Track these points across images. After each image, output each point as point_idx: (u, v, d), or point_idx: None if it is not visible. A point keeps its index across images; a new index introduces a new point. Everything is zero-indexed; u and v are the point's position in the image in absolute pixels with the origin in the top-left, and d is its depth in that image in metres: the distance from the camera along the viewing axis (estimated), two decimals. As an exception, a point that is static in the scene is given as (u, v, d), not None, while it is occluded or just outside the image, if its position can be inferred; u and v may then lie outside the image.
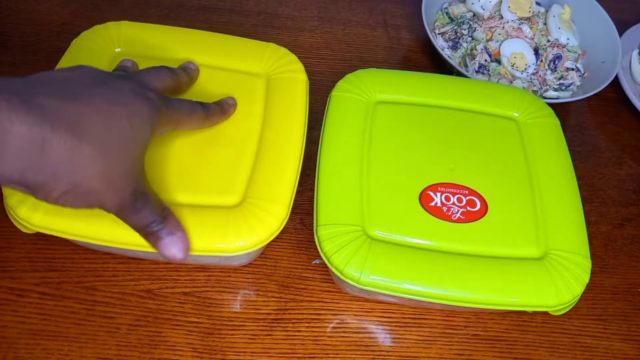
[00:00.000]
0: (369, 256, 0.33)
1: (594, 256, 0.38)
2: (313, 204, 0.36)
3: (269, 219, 0.33)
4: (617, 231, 0.47)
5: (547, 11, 0.57)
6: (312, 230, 0.35)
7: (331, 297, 0.40)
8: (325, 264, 0.34)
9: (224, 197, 0.34)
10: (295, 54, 0.42)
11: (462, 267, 0.34)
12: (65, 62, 0.38)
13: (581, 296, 0.34)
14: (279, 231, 0.34)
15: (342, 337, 0.38)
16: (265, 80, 0.40)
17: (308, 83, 0.41)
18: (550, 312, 0.34)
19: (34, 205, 0.32)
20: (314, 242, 0.35)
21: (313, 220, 0.35)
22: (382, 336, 0.39)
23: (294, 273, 0.41)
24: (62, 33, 0.51)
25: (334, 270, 0.34)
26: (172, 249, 0.30)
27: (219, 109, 0.36)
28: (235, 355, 0.37)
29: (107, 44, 0.40)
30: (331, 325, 0.39)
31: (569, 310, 0.35)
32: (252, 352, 0.37)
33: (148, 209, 0.29)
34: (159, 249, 0.30)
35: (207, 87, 0.39)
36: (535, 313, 0.41)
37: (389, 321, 0.39)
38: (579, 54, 0.56)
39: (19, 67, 0.49)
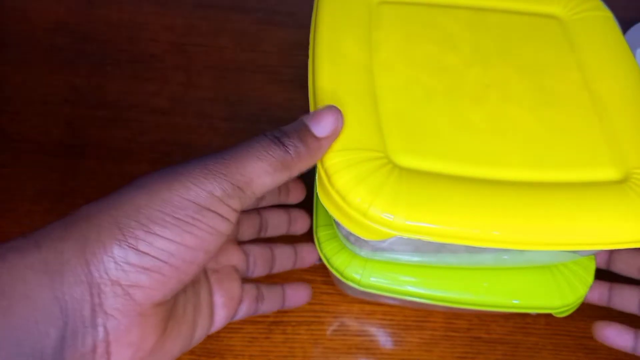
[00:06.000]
0: (369, 257, 0.33)
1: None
2: (313, 203, 0.35)
3: None
4: (621, 231, 0.47)
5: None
6: (312, 230, 0.35)
7: (331, 299, 0.39)
8: (325, 265, 0.34)
9: (596, 171, 0.26)
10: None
11: (464, 269, 0.33)
12: (323, 15, 0.32)
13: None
14: None
15: (343, 340, 0.38)
16: (562, 22, 0.33)
17: (615, 20, 0.34)
18: (554, 314, 0.34)
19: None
20: (314, 243, 0.34)
21: (313, 220, 0.35)
22: (383, 339, 0.38)
23: (294, 274, 0.40)
24: (58, 31, 0.51)
25: (334, 272, 0.33)
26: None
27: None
28: (234, 358, 0.36)
29: None
30: (331, 328, 0.38)
31: (573, 312, 0.34)
32: (250, 355, 0.36)
33: None
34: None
35: (497, 34, 0.32)
36: (538, 315, 0.40)
37: (390, 324, 0.39)
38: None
39: (16, 64, 0.48)
